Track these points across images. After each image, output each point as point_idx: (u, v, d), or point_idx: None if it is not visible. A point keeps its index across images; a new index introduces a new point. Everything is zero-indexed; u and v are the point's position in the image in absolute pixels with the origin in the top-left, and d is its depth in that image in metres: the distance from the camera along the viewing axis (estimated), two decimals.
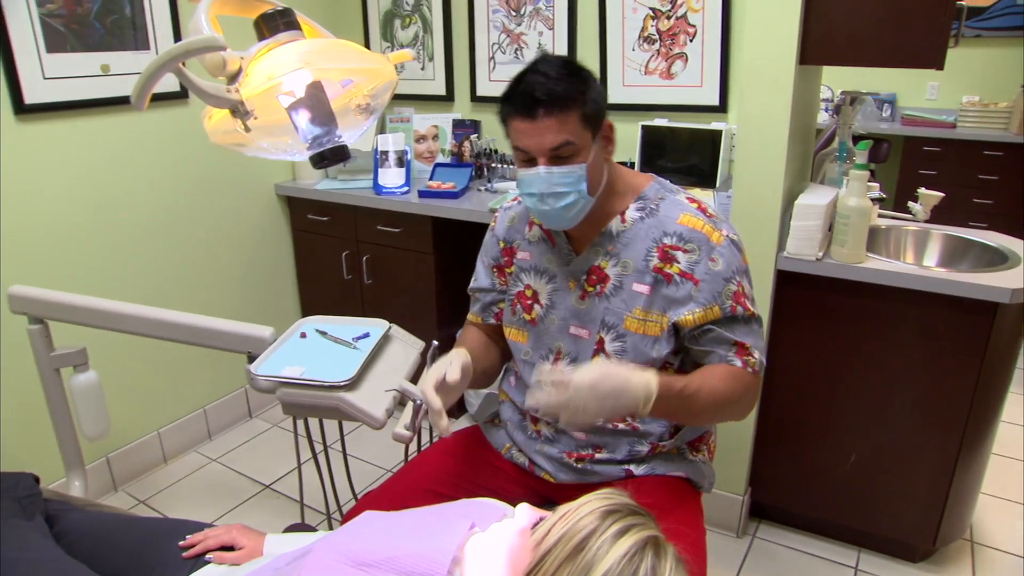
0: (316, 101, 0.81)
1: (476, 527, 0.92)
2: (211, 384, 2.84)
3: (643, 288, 1.30)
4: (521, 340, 1.44)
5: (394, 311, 2.67)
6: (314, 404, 1.55)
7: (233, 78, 0.78)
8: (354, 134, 0.86)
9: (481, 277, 1.52)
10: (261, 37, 0.83)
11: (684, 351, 1.36)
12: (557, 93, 1.16)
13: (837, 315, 1.95)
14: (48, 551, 1.27)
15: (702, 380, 1.24)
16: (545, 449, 1.44)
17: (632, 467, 1.39)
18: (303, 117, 0.82)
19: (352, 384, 1.54)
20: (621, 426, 1.36)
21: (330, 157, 0.85)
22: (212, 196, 2.69)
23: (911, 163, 4.39)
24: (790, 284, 1.97)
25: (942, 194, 2.17)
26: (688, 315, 1.27)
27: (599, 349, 1.34)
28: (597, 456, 1.39)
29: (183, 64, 0.71)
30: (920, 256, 2.16)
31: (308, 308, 3.10)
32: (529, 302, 1.42)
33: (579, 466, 1.40)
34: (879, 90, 4.64)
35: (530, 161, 1.23)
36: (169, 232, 2.56)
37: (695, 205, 1.32)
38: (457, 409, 2.91)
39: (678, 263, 1.28)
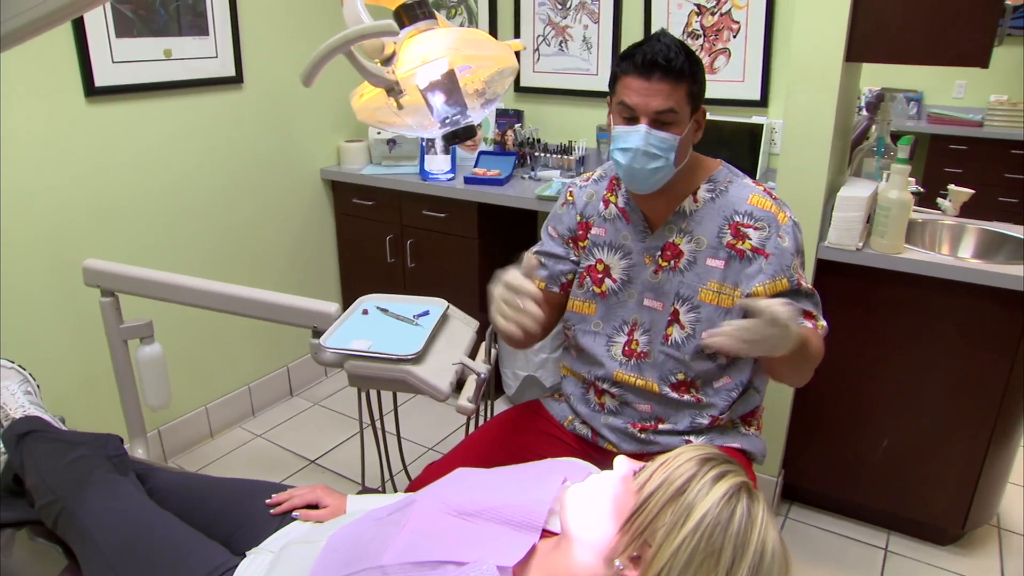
0: (451, 84, 0.89)
1: (568, 481, 1.00)
2: (255, 362, 2.92)
3: (718, 263, 1.39)
4: (589, 312, 1.52)
5: (437, 294, 2.72)
6: (381, 376, 1.63)
7: (387, 61, 0.86)
8: (475, 116, 0.94)
9: (551, 244, 1.56)
10: (401, 25, 0.90)
11: None
12: (676, 63, 1.26)
13: (875, 304, 2.02)
14: (143, 503, 1.35)
15: (806, 336, 1.29)
16: (610, 421, 1.52)
17: (692, 438, 1.47)
18: (439, 98, 0.90)
19: (418, 358, 1.62)
20: (686, 397, 1.45)
21: (461, 135, 0.94)
22: (260, 178, 2.76)
23: (937, 161, 4.43)
24: (830, 273, 2.03)
25: (972, 191, 2.23)
26: (759, 286, 1.36)
27: (673, 320, 1.43)
28: (660, 427, 1.47)
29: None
30: (955, 249, 2.22)
31: (349, 290, 3.18)
32: (600, 276, 1.50)
33: (643, 436, 1.48)
34: (904, 88, 4.66)
35: (631, 120, 1.32)
36: (218, 212, 2.64)
37: (761, 188, 1.41)
38: (495, 390, 2.99)
39: (750, 239, 1.37)
